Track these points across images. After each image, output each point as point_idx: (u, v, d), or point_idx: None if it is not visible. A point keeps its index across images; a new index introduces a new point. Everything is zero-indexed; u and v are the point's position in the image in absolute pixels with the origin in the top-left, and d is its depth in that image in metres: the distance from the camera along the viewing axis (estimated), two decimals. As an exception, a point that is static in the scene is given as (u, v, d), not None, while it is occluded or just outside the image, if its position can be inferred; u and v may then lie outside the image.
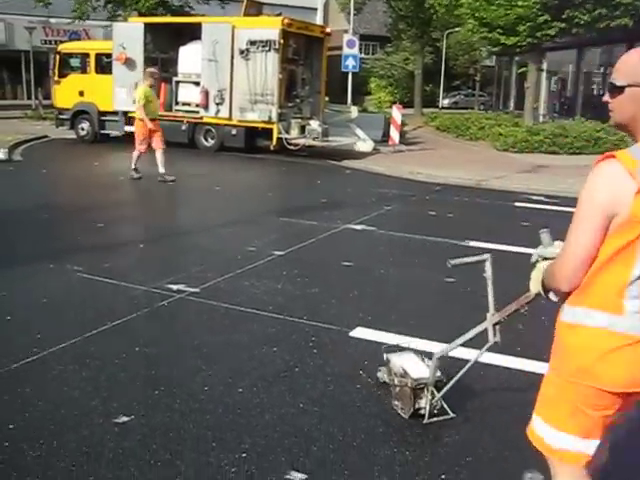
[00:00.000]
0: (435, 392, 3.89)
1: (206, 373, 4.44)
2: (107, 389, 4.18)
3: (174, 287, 6.24)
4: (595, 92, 43.64)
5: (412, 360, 4.18)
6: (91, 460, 3.41)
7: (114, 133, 19.18)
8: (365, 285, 6.69)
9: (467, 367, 3.84)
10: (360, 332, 5.30)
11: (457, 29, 41.48)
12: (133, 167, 12.86)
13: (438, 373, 3.94)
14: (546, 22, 20.53)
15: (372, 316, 5.70)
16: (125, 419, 3.81)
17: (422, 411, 3.88)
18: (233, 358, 4.72)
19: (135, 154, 12.82)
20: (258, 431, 3.72)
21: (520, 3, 20.07)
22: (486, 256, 3.85)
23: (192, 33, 17.46)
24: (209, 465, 3.39)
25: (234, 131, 17.35)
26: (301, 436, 3.69)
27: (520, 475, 3.40)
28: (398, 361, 4.15)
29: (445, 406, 3.96)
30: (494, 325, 3.67)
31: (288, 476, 3.32)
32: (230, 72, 16.96)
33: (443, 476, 3.38)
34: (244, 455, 3.48)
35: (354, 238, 8.89)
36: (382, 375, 4.32)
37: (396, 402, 4.02)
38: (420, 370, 4.02)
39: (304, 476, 3.32)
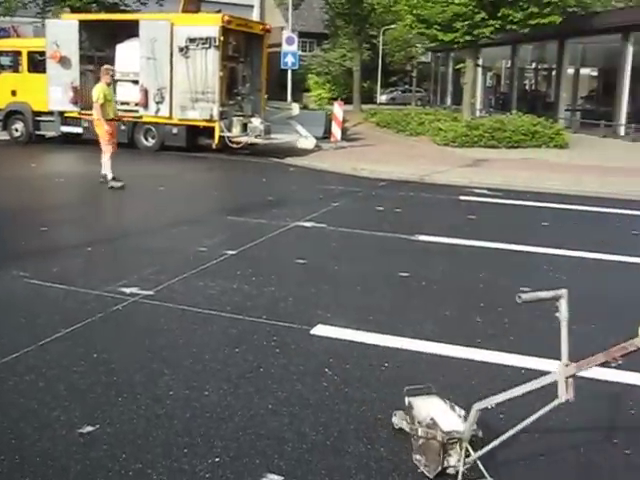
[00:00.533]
0: (470, 450, 3.26)
1: (169, 377, 4.34)
2: (67, 399, 4.03)
3: (127, 290, 6.08)
4: (528, 87, 44.78)
5: (440, 408, 3.54)
6: (57, 474, 3.28)
7: (50, 134, 18.65)
8: (321, 282, 6.66)
9: (523, 425, 3.08)
10: (321, 330, 5.27)
11: (393, 26, 41.87)
12: (110, 176, 11.86)
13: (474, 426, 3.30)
14: (482, 20, 20.89)
15: (331, 313, 5.68)
16: (90, 429, 3.68)
17: (451, 470, 3.29)
18: (195, 361, 4.62)
19: (105, 159, 11.94)
20: (229, 434, 3.65)
21: (457, 1, 20.38)
22: (562, 292, 3.09)
23: (129, 30, 17.08)
24: (183, 472, 3.30)
25: (175, 130, 17.09)
26: (273, 437, 3.64)
27: None
28: (424, 408, 3.51)
29: (481, 467, 3.28)
30: (567, 378, 2.93)
31: (264, 479, 3.26)
32: (170, 70, 16.68)
33: (419, 470, 3.38)
34: (217, 460, 3.40)
35: (305, 235, 8.86)
36: (398, 421, 3.72)
37: (418, 456, 3.40)
38: (451, 421, 3.38)
39: (280, 478, 3.27)
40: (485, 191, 12.75)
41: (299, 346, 4.95)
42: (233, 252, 7.62)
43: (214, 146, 16.69)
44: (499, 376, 4.51)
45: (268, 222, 9.27)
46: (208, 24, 16.33)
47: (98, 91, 11.89)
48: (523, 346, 5.06)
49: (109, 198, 11.56)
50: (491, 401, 3.18)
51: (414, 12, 22.36)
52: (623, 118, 25.23)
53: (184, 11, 17.55)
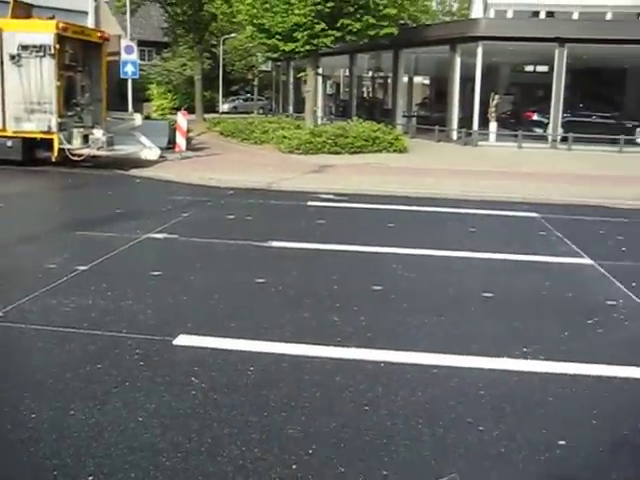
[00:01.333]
0: None
1: (30, 400, 4.18)
2: None
3: (-28, 313, 5.77)
4: (367, 94, 46.41)
5: None
6: None
7: None
8: (178, 293, 6.64)
9: None
10: (184, 340, 5.28)
11: (234, 35, 42.01)
12: None
13: None
14: (322, 30, 21.50)
15: (192, 323, 5.69)
16: (-53, 460, 3.50)
17: None
18: (56, 380, 4.48)
19: None
20: (100, 451, 3.60)
21: (297, 11, 20.83)
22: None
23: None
24: (55, 493, 3.23)
25: (10, 143, 16.16)
26: (147, 450, 3.63)
27: None
28: None
29: None
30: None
31: (141, 491, 3.27)
32: (1, 79, 15.81)
33: (294, 466, 3.51)
34: (91, 478, 3.35)
35: (157, 247, 8.76)
36: None
37: None
38: None
39: (159, 489, 3.29)
40: (332, 196, 13.15)
41: (163, 357, 4.94)
42: (85, 267, 7.40)
43: (53, 159, 15.98)
44: (361, 371, 4.74)
45: (119, 235, 9.07)
46: (42, 31, 15.63)
47: None
48: (381, 341, 5.33)
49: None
50: None
51: (255, 22, 22.60)
52: (455, 123, 26.89)
53: (13, 16, 16.67)
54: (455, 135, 26.70)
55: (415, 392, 4.45)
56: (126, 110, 22.24)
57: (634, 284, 7.30)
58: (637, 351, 5.47)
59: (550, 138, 25.81)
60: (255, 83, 53.26)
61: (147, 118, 23.92)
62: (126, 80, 22.83)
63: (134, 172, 16.23)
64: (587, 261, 8.46)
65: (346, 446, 3.76)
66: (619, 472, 3.63)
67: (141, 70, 27.67)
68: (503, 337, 5.64)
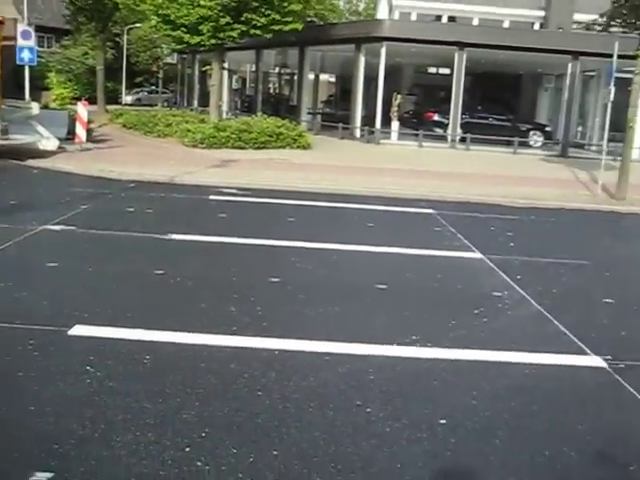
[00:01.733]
0: None
1: None
2: None
3: None
4: (272, 90, 46.49)
5: None
6: None
7: None
8: (75, 284, 6.60)
9: None
10: (79, 330, 5.25)
11: (138, 25, 41.17)
12: None
13: None
14: (227, 24, 21.44)
15: (88, 313, 5.67)
16: None
17: None
18: (-55, 371, 4.41)
19: None
20: (-10, 440, 3.59)
21: (202, 3, 20.68)
22: None
23: None
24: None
25: None
26: (40, 437, 3.64)
27: None
28: None
29: None
30: None
31: (33, 477, 3.28)
32: None
33: (188, 449, 3.61)
34: (-20, 465, 3.35)
35: (54, 239, 8.59)
36: None
37: None
38: None
39: (51, 474, 3.31)
40: (234, 190, 13.21)
41: (58, 347, 4.92)
42: (-24, 259, 7.21)
43: (-57, 147, 15.33)
44: (256, 359, 4.88)
45: (13, 226, 8.83)
46: None
47: None
48: (276, 330, 5.48)
49: None
50: None
51: (159, 13, 22.28)
52: (358, 121, 27.39)
53: None
54: (358, 133, 27.22)
55: (307, 377, 4.62)
56: (23, 98, 21.48)
57: (519, 277, 7.76)
58: (516, 338, 5.85)
59: (449, 138, 26.72)
60: (160, 75, 52.43)
61: (45, 107, 23.24)
62: (23, 67, 22.02)
63: (31, 162, 15.74)
64: (477, 255, 8.90)
65: (239, 429, 3.89)
66: (495, 448, 3.92)
67: (40, 57, 26.77)
68: (394, 326, 5.91)
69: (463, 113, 27.12)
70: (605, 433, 4.25)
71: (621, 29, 16.35)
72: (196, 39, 22.30)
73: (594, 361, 5.36)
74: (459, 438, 3.99)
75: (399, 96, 28.12)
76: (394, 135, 27.39)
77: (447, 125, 27.15)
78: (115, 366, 4.63)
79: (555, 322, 6.25)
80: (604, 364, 5.28)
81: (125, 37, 43.51)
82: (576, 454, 3.91)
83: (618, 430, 4.32)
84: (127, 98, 46.74)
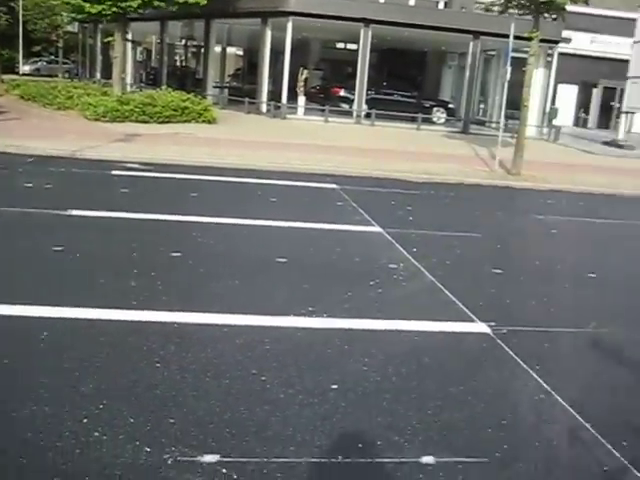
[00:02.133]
0: None
1: None
2: None
3: None
4: (178, 63, 45.62)
5: None
6: None
7: None
8: (-31, 262, 6.45)
9: None
10: (-27, 308, 5.19)
11: (34, -10, 39.46)
12: None
13: None
14: (129, -7, 20.94)
15: (-16, 291, 5.59)
16: None
17: None
18: None
19: None
20: None
21: (101, -29, 20.09)
22: None
23: None
24: None
25: None
26: None
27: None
28: None
29: None
30: None
31: None
32: None
33: (85, 420, 3.69)
34: None
35: (-54, 215, 8.33)
36: None
37: None
38: None
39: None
40: (137, 165, 13.05)
41: (-50, 325, 4.85)
42: None
43: None
44: (155, 332, 4.96)
45: None
46: None
47: None
48: (175, 304, 5.57)
49: None
50: None
51: (56, -21, 21.53)
52: (264, 96, 27.35)
53: None
54: (265, 108, 27.19)
55: (205, 349, 4.75)
56: None
57: (415, 250, 8.10)
58: (408, 307, 6.16)
59: (355, 114, 27.07)
60: (60, 45, 50.43)
61: None
62: None
63: None
64: (377, 229, 9.20)
65: (137, 399, 3.99)
66: (382, 410, 4.18)
67: None
68: (292, 298, 6.10)
69: (368, 89, 27.52)
70: (484, 392, 4.59)
71: (517, 11, 16.94)
72: (97, 8, 21.66)
73: (479, 327, 5.73)
74: (349, 402, 4.22)
75: (305, 71, 28.24)
76: (300, 110, 27.52)
77: (353, 101, 27.49)
78: (11, 344, 4.62)
79: (446, 292, 6.60)
80: (488, 330, 5.65)
81: (21, 2, 41.61)
82: (458, 412, 4.21)
83: (496, 388, 4.68)
84: (25, 68, 44.90)
